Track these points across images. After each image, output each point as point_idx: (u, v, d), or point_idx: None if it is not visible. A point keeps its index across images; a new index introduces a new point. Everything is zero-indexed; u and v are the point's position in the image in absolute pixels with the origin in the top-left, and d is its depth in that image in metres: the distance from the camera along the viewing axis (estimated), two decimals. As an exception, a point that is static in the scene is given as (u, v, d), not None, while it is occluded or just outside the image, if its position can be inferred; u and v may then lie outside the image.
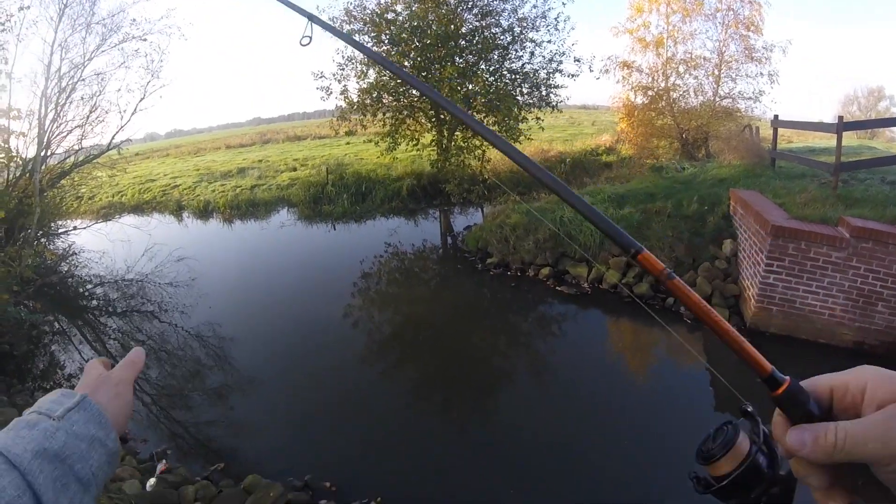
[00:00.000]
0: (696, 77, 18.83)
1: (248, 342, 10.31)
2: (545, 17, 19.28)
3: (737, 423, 0.81)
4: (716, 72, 18.53)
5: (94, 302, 14.22)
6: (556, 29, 19.37)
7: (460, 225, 16.74)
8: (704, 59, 18.56)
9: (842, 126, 9.99)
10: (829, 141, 16.20)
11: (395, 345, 9.81)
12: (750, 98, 18.35)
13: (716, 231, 10.40)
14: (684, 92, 19.03)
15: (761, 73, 18.11)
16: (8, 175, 13.92)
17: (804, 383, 0.72)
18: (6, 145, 12.51)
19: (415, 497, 5.84)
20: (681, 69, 18.78)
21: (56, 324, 12.77)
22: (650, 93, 19.34)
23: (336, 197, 20.06)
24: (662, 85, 19.08)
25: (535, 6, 19.79)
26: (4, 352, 10.57)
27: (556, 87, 19.68)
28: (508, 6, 19.23)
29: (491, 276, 11.96)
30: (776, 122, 13.36)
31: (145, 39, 16.36)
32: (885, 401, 0.63)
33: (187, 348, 10.47)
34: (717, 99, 18.63)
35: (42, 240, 15.54)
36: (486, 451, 6.41)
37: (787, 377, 0.73)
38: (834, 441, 0.64)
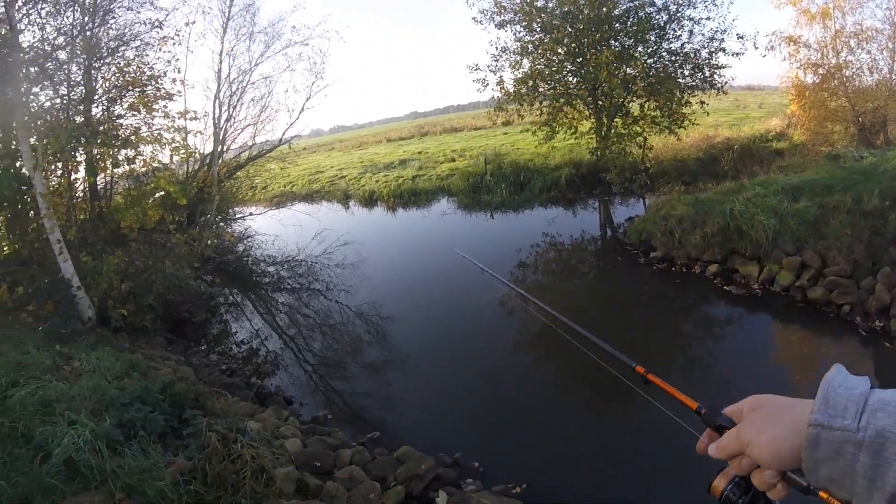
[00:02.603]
0: (868, 51, 16.91)
1: (406, 322, 10.76)
2: None
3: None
4: (889, 45, 16.65)
5: (266, 279, 15.32)
6: (715, 4, 18.12)
7: (621, 216, 16.33)
8: (876, 30, 16.59)
9: None
10: None
11: (548, 336, 9.69)
12: None
13: (899, 230, 9.37)
14: (857, 69, 17.23)
15: None
16: (187, 168, 15.31)
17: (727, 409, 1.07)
18: (185, 142, 13.75)
19: (558, 489, 5.81)
20: (851, 43, 17.01)
21: (231, 297, 14.02)
22: (820, 71, 17.69)
23: (494, 186, 20.18)
24: (833, 61, 17.38)
25: (689, -19, 18.57)
26: (184, 318, 11.96)
27: (720, 66, 18.36)
28: (661, -17, 18.20)
29: (654, 270, 11.58)
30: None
31: (307, 44, 17.56)
32: (746, 415, 0.98)
33: (349, 324, 11.15)
34: (894, 76, 16.87)
35: (221, 223, 16.93)
36: (632, 453, 6.25)
37: (705, 406, 1.15)
38: (718, 444, 1.01)
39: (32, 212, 10.86)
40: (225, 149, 17.06)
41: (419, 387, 8.37)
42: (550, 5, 18.39)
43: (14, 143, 10.05)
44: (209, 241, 14.15)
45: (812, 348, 8.54)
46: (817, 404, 0.83)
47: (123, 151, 12.18)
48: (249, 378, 9.26)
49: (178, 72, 13.85)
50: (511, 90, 19.55)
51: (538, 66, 19.08)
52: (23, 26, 10.49)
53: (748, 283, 10.32)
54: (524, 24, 18.69)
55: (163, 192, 12.95)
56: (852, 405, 0.79)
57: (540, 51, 18.88)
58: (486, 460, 6.28)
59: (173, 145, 13.19)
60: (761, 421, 0.92)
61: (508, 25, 19.16)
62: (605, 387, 7.56)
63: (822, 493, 0.87)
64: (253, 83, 17.18)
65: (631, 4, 18.23)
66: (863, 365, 7.61)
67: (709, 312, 9.95)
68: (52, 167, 11.38)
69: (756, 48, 18.37)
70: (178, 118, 13.32)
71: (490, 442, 6.70)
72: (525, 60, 19.46)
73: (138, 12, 12.59)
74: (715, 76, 18.35)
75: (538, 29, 18.54)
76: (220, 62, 16.13)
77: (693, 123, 18.79)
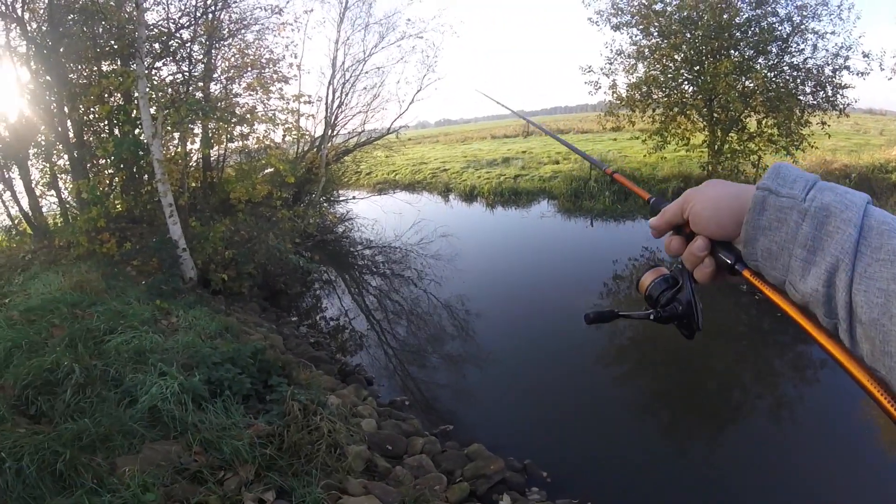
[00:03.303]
0: None
1: (492, 320, 10.72)
2: (826, 5, 16.95)
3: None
4: None
5: (362, 261, 15.68)
6: (840, 18, 16.95)
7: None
8: None
9: None
10: None
11: (634, 352, 9.46)
12: None
13: None
14: None
15: None
16: (298, 148, 15.86)
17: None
18: (297, 124, 14.27)
19: None
20: None
21: (326, 274, 14.46)
22: None
23: (598, 193, 19.85)
24: None
25: (813, -9, 17.52)
26: (280, 289, 12.43)
27: (844, 86, 17.20)
28: (785, -8, 17.31)
29: (754, 299, 11.10)
30: None
31: (421, 37, 17.81)
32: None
33: (435, 315, 11.22)
34: None
35: (325, 204, 17.48)
36: (709, 482, 5.97)
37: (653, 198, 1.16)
38: (662, 212, 1.00)
39: (147, 175, 11.49)
40: (334, 133, 17.56)
41: (496, 386, 8.32)
42: (669, 9, 17.90)
43: (135, 111, 10.57)
44: (312, 220, 14.67)
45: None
46: (768, 174, 0.83)
47: (238, 128, 12.71)
48: (335, 354, 9.45)
49: (295, 57, 14.45)
50: (624, 95, 19.20)
51: (653, 72, 18.66)
52: (148, 5, 11.19)
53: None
54: (641, 27, 18.33)
55: (272, 169, 13.46)
56: (801, 181, 0.80)
57: (656, 56, 18.44)
58: (555, 471, 6.14)
59: (286, 126, 13.72)
60: (709, 186, 0.93)
61: (625, 28, 18.79)
62: (688, 411, 7.34)
63: (745, 272, 0.85)
64: (366, 72, 17.67)
65: (753, 13, 17.38)
66: None
67: (804, 350, 9.40)
68: (170, 137, 11.98)
69: (882, 69, 17.14)
70: (293, 101, 13.78)
71: (562, 453, 6.55)
72: (640, 65, 19.09)
73: None
74: (838, 96, 17.22)
75: (655, 33, 18.15)
76: (336, 50, 16.64)
77: (812, 146, 17.77)
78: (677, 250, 0.98)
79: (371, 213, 18.92)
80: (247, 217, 11.89)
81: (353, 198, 20.54)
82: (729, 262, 0.87)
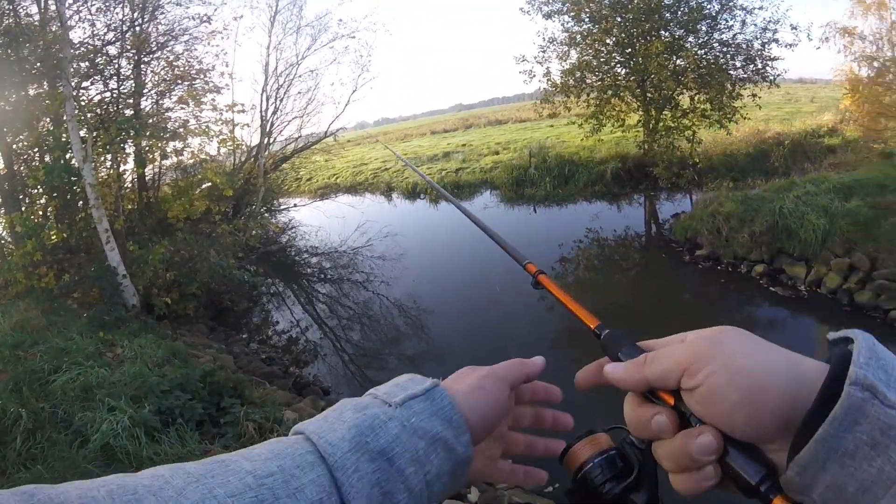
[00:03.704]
0: None
1: (446, 315, 10.84)
2: None
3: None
4: None
5: (308, 269, 15.59)
6: None
7: (667, 212, 16.11)
8: None
9: None
10: None
11: (589, 333, 9.62)
12: None
13: (956, 234, 9.04)
14: (915, 62, 16.63)
15: None
16: (234, 160, 15.63)
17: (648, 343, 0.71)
18: (232, 135, 13.98)
19: None
20: None
21: (273, 286, 14.34)
22: (875, 64, 17.07)
23: (538, 180, 20.00)
24: (889, 54, 16.78)
25: (741, -32, 18.12)
26: (227, 307, 12.24)
27: (773, 58, 17.92)
28: (711, -29, 17.80)
29: (699, 269, 11.38)
30: None
31: (354, 37, 17.70)
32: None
33: (388, 316, 11.28)
34: (955, 71, 16.13)
35: (266, 214, 17.31)
36: None
37: (609, 329, 0.79)
38: (634, 362, 0.66)
39: (81, 202, 11.18)
40: (271, 141, 17.40)
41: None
42: (600, -5, 18.07)
43: (65, 135, 10.27)
44: (254, 232, 14.45)
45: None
46: (863, 356, 0.51)
47: (172, 143, 12.50)
48: (288, 367, 9.41)
49: (227, 65, 14.19)
50: (558, 82, 19.41)
51: (586, 58, 18.90)
52: (73, 23, 10.88)
53: (794, 285, 10.08)
54: (572, 14, 18.55)
55: (209, 184, 13.20)
56: None
57: (588, 41, 18.69)
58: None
59: (220, 137, 13.51)
60: (741, 344, 0.59)
61: (556, 16, 19.04)
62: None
63: (777, 502, 0.53)
64: (299, 76, 17.52)
65: None
66: None
67: (753, 314, 9.72)
68: (102, 159, 11.69)
69: (810, 40, 17.68)
70: (226, 111, 13.57)
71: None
72: (573, 51, 19.33)
73: (187, 7, 12.89)
74: (767, 68, 17.84)
75: (587, 19, 18.37)
76: (268, 56, 16.48)
77: (744, 117, 18.26)
78: (663, 432, 0.62)
79: (314, 220, 18.79)
80: (186, 235, 11.64)
81: (295, 205, 20.41)
82: (751, 480, 0.55)
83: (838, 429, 0.49)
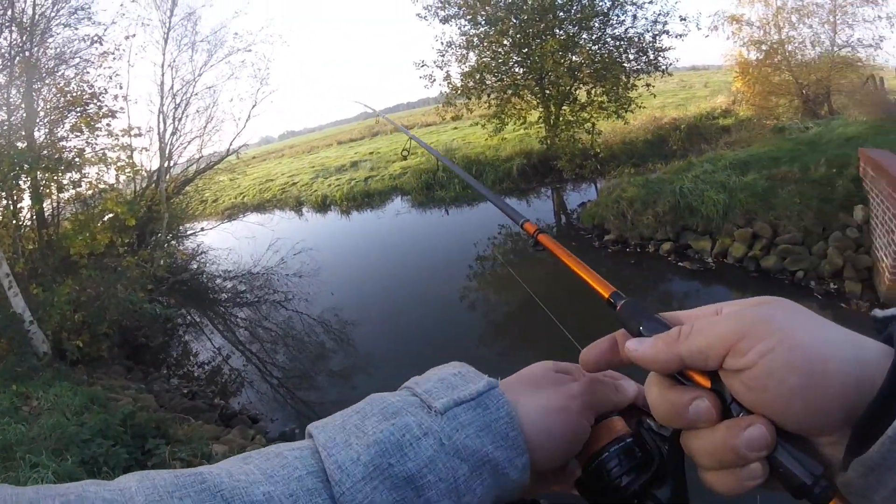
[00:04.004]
0: (810, 26, 17.33)
1: (370, 325, 10.73)
2: None
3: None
4: (831, 18, 16.99)
5: (224, 295, 15.11)
6: None
7: (574, 202, 16.50)
8: (817, 4, 17.07)
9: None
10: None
11: (512, 325, 9.82)
12: (870, 45, 16.64)
13: (846, 196, 9.58)
14: (800, 44, 17.66)
15: (879, 17, 16.34)
16: (135, 186, 15.01)
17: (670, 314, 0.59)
18: (130, 160, 13.36)
19: None
20: (793, 18, 17.44)
21: (189, 317, 13.80)
22: (763, 47, 18.09)
23: (447, 182, 20.06)
24: (776, 38, 17.78)
25: (630, -34, 18.94)
26: (141, 344, 11.68)
27: (664, 49, 18.89)
28: (602, -30, 18.46)
29: (609, 253, 11.70)
30: (902, 71, 12.39)
31: (250, 50, 17.26)
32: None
33: (312, 333, 11.10)
34: (836, 49, 17.15)
35: (172, 241, 16.66)
36: None
37: (625, 298, 0.65)
38: (665, 336, 0.53)
39: (-20, 247, 10.58)
40: (172, 164, 16.68)
41: (385, 389, 8.33)
42: (494, -2, 18.37)
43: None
44: (161, 261, 13.87)
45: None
46: None
47: (68, 175, 11.81)
48: (213, 399, 9.13)
49: (121, 87, 13.48)
50: (458, 85, 19.59)
51: (484, 59, 19.21)
52: None
53: (702, 258, 10.54)
54: (469, 17, 18.79)
55: (111, 214, 12.67)
56: None
57: (486, 43, 19.03)
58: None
59: (118, 164, 12.85)
60: (793, 314, 0.49)
61: (453, 20, 19.23)
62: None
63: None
64: (197, 94, 16.87)
65: None
66: None
67: (667, 289, 10.12)
68: (-3, 198, 11.13)
69: (699, 29, 18.67)
70: (123, 136, 13.02)
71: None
72: (471, 54, 19.58)
73: (76, 28, 12.36)
74: (659, 59, 18.82)
75: (483, 22, 18.64)
76: (163, 74, 15.80)
77: (640, 107, 19.06)
78: (703, 421, 0.50)
79: (224, 243, 18.25)
80: (91, 272, 11.10)
81: (202, 229, 19.72)
82: (805, 480, 0.45)
83: None
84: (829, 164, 10.38)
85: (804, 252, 9.32)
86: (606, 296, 0.69)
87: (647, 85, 18.94)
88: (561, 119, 19.24)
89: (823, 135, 12.89)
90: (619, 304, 0.65)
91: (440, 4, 19.14)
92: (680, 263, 10.58)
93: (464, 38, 19.44)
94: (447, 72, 19.83)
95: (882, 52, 16.73)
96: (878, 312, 0.51)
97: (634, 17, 18.82)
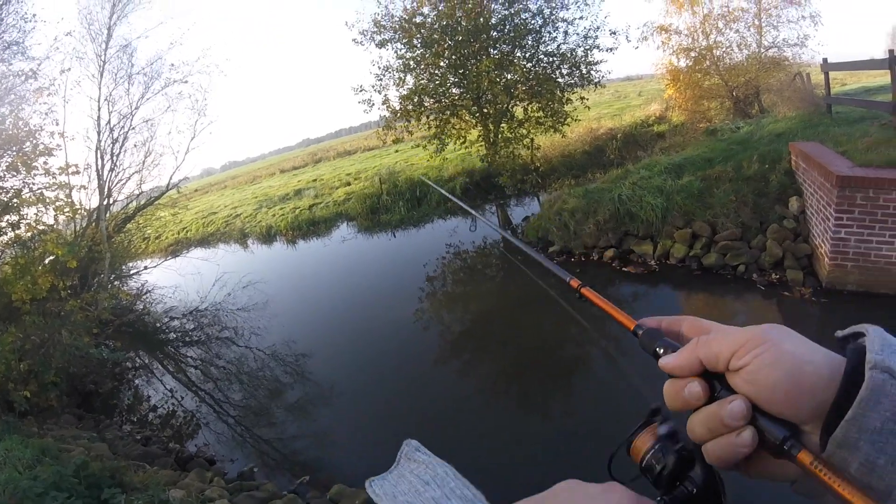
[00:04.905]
0: (736, 30, 18.14)
1: (324, 356, 10.61)
2: None
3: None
4: (756, 21, 17.81)
5: (172, 335, 14.80)
6: (586, 4, 19.18)
7: (518, 216, 16.74)
8: (742, 10, 17.84)
9: (894, 60, 9.45)
10: (883, 78, 15.36)
11: (468, 343, 9.90)
12: (795, 44, 17.45)
13: (780, 189, 10.05)
14: (727, 48, 18.38)
15: (803, 16, 17.23)
16: (75, 227, 14.62)
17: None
18: (69, 199, 12.94)
19: (511, 492, 5.84)
20: (720, 24, 18.18)
21: (137, 359, 13.44)
22: (693, 54, 18.76)
23: (392, 205, 20.18)
24: (704, 44, 18.47)
25: (560, -16, 19.47)
26: (91, 391, 11.37)
27: (595, 63, 19.35)
28: (534, -11, 18.94)
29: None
30: (826, 66, 12.90)
31: (186, 81, 16.87)
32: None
33: (266, 368, 10.87)
34: (762, 50, 17.89)
35: (116, 282, 16.14)
36: (571, 435, 6.41)
37: (644, 327, 0.88)
38: (696, 342, 0.73)
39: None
40: (112, 201, 16.32)
41: (346, 419, 8.28)
42: (429, 21, 18.68)
43: None
44: (105, 303, 13.52)
45: (718, 309, 9.06)
46: (877, 344, 0.61)
47: (6, 217, 11.54)
48: (167, 444, 8.88)
49: (57, 124, 13.18)
50: (397, 108, 19.71)
51: (422, 82, 19.37)
52: None
53: (645, 261, 10.82)
54: (405, 41, 18.90)
55: (52, 257, 12.35)
56: None
57: (422, 66, 19.20)
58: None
59: (57, 204, 12.48)
60: (784, 332, 0.67)
61: (389, 44, 19.34)
62: (533, 380, 7.74)
63: (802, 456, 0.62)
64: (134, 128, 16.47)
65: (507, 12, 18.81)
66: (769, 315, 8.36)
67: (614, 293, 10.24)
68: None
69: (629, 41, 19.32)
70: (60, 174, 12.57)
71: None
72: (409, 77, 19.71)
73: (10, 63, 12.08)
74: (591, 72, 19.26)
75: (419, 45, 18.82)
76: (100, 108, 15.42)
77: (575, 120, 19.59)
78: (696, 400, 0.71)
79: (169, 281, 17.84)
80: (35, 318, 10.83)
81: (146, 268, 19.33)
82: (776, 439, 0.64)
83: (864, 408, 0.57)
84: (761, 160, 10.82)
85: (744, 246, 9.69)
86: (631, 328, 0.92)
87: (582, 98, 19.49)
88: (500, 136, 19.62)
89: (754, 133, 13.37)
90: (639, 332, 0.88)
91: (375, 29, 19.26)
92: (624, 269, 10.81)
93: (400, 61, 19.59)
94: (385, 95, 19.95)
95: (807, 50, 17.46)
96: (838, 333, 0.70)
97: (566, 33, 19.38)
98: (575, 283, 1.29)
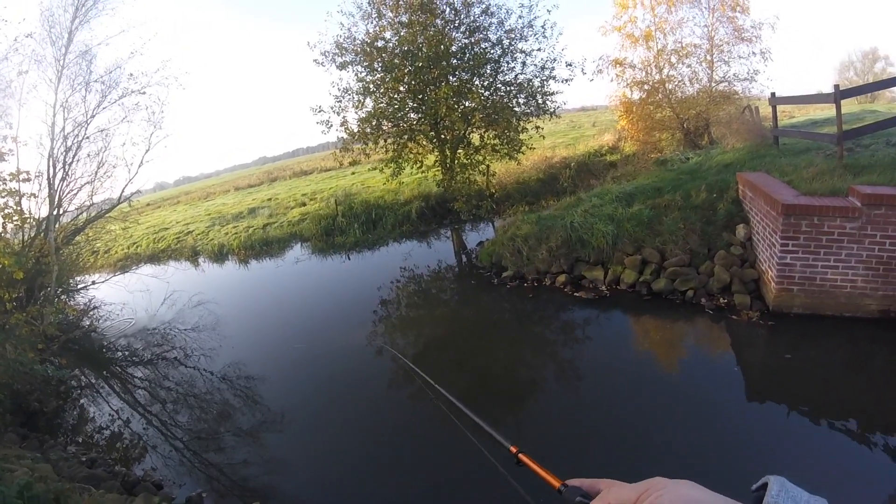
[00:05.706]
0: (689, 65, 18.84)
1: (276, 379, 10.43)
2: (532, 27, 19.43)
3: None
4: (708, 57, 18.53)
5: (119, 353, 14.35)
6: (545, 36, 19.59)
7: (473, 241, 16.82)
8: (695, 46, 18.56)
9: (839, 94, 9.80)
10: (830, 111, 15.97)
11: (421, 367, 9.83)
12: (745, 79, 18.23)
13: (727, 217, 10.42)
14: (679, 82, 19.02)
15: (753, 53, 18.01)
16: (23, 236, 14.16)
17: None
18: (18, 207, 12.61)
19: None
20: (673, 59, 18.79)
21: (83, 378, 12.95)
22: (646, 87, 19.33)
23: (347, 227, 20.15)
24: (657, 77, 19.06)
25: (520, 17, 20.00)
26: (34, 409, 10.86)
27: (552, 93, 19.83)
28: (495, 20, 19.39)
29: (508, 289, 11.95)
30: (774, 100, 13.36)
31: (144, 93, 16.56)
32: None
33: (215, 391, 10.57)
34: (713, 84, 18.57)
35: (62, 296, 15.71)
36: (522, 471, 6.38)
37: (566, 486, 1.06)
38: (606, 493, 0.90)
39: None
40: (62, 211, 15.98)
41: (298, 444, 8.13)
42: (390, 45, 18.86)
43: None
44: (52, 318, 13.16)
45: (667, 333, 9.18)
46: (775, 490, 0.72)
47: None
48: (113, 466, 8.57)
49: (10, 127, 12.91)
50: (355, 130, 19.75)
51: (381, 105, 19.47)
52: None
53: (596, 287, 11.01)
54: (365, 64, 19.04)
55: (-1, 266, 11.97)
56: None
57: (382, 90, 19.28)
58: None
59: (6, 211, 12.13)
60: (687, 486, 0.77)
61: (350, 66, 19.44)
62: (487, 404, 7.74)
63: None
64: (88, 137, 16.15)
65: (467, 41, 19.19)
66: (717, 338, 8.55)
67: (567, 318, 10.38)
68: None
69: (584, 73, 19.79)
70: (11, 180, 12.26)
71: (379, 486, 6.64)
72: (368, 100, 19.76)
73: None
74: (547, 102, 19.71)
75: (379, 68, 18.92)
76: (55, 115, 15.10)
77: (530, 148, 19.93)
78: None
79: (117, 297, 17.49)
80: (-22, 332, 10.52)
81: (94, 283, 18.83)
82: None
83: None
84: (709, 189, 11.23)
85: (692, 272, 9.95)
86: (557, 486, 1.10)
87: (537, 127, 19.97)
88: (456, 162, 19.90)
89: (703, 163, 13.82)
90: (563, 490, 1.04)
91: (337, 51, 19.35)
92: (576, 294, 10.95)
93: (360, 84, 19.66)
94: (344, 117, 20.01)
95: (757, 84, 18.24)
96: (753, 486, 0.79)
97: (524, 64, 19.68)
98: (514, 448, 1.53)
